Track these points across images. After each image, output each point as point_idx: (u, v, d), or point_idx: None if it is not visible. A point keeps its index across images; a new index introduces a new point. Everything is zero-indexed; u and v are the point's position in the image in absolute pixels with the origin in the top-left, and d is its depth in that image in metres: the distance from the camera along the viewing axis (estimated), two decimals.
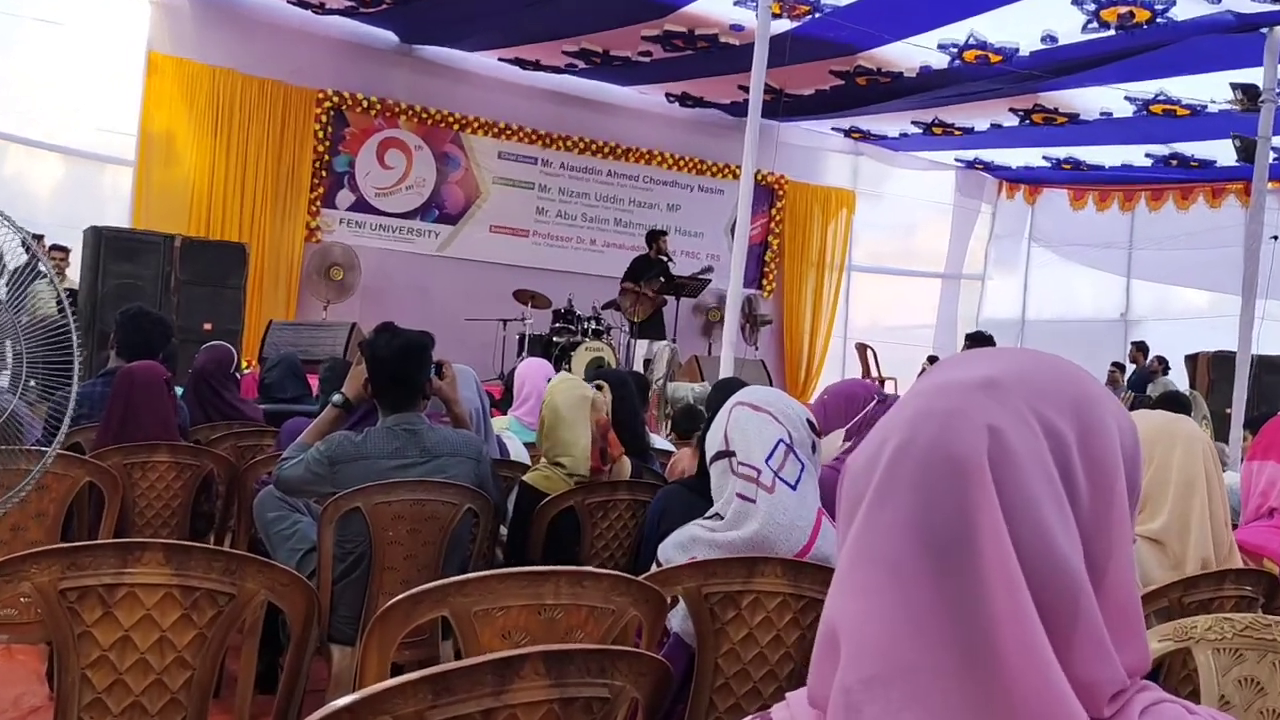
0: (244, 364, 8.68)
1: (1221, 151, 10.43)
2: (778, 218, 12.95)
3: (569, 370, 8.86)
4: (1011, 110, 10.64)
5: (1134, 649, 0.68)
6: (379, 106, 10.77)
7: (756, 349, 11.82)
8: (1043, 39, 8.50)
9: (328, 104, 10.50)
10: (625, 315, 10.15)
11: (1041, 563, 0.64)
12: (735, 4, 8.63)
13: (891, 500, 0.67)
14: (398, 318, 3.20)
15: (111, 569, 1.62)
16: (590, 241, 11.98)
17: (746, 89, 7.58)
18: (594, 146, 11.86)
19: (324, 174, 10.56)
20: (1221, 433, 7.43)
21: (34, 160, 9.51)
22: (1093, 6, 7.81)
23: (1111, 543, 0.68)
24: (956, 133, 11.82)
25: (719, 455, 2.04)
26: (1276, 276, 7.99)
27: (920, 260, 14.09)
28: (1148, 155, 11.83)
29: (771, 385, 10.28)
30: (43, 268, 2.39)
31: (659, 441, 4.46)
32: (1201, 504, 2.18)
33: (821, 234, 13.22)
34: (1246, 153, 7.53)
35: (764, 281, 12.97)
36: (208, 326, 8.02)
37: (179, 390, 3.93)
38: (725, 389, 2.99)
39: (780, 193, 12.92)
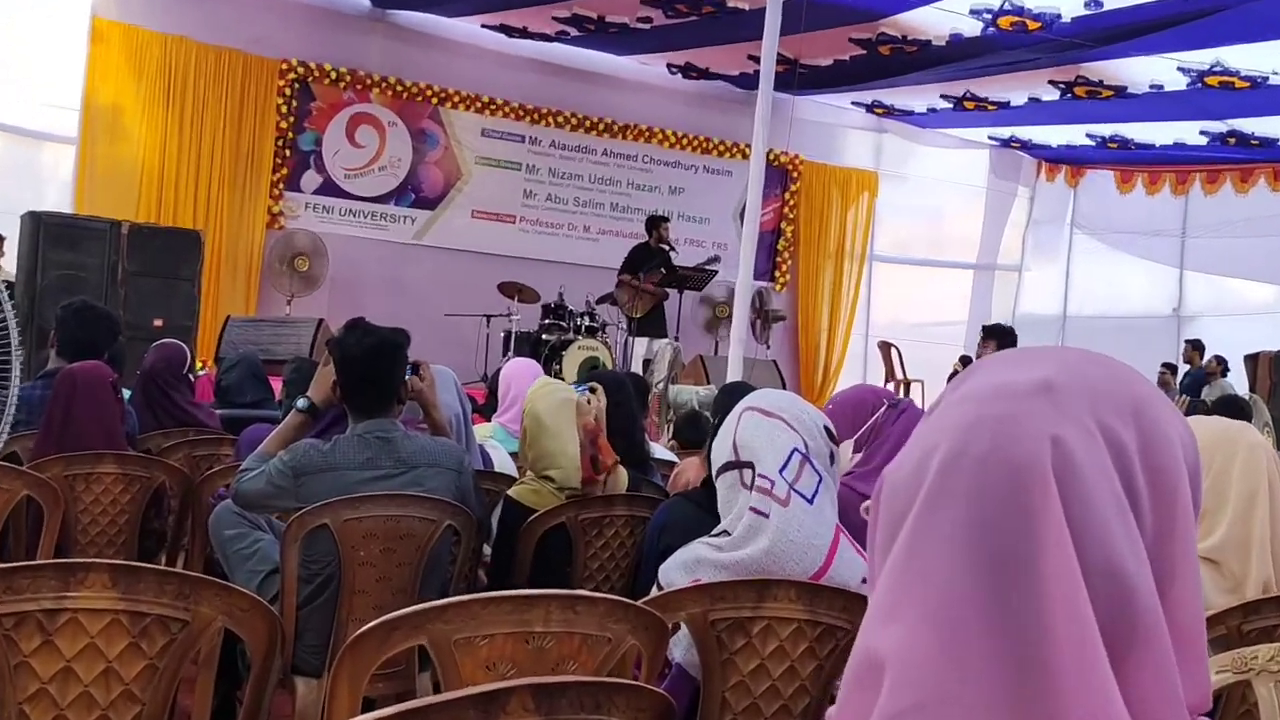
0: (199, 364, 8.66)
1: None
2: (792, 202, 12.96)
3: (560, 372, 8.86)
4: (1051, 83, 10.64)
5: (1195, 682, 0.68)
6: (349, 78, 10.78)
7: (768, 348, 11.83)
8: (1086, 4, 8.50)
9: (292, 76, 10.50)
10: (622, 311, 10.15)
11: (1109, 586, 0.65)
12: None
13: (943, 515, 0.68)
14: (369, 313, 3.20)
15: (51, 592, 1.62)
16: (584, 228, 11.99)
17: (757, 59, 7.58)
18: (588, 123, 11.86)
19: (287, 153, 10.56)
20: None
21: None
22: None
23: (1174, 562, 0.69)
24: (990, 108, 11.83)
25: (727, 466, 2.04)
26: None
27: (950, 249, 14.09)
28: (1203, 133, 11.83)
29: (785, 388, 10.29)
30: None
31: (660, 451, 4.46)
32: (1263, 520, 2.18)
33: (840, 220, 13.23)
34: None
35: (776, 273, 12.98)
36: (158, 323, 8.01)
37: (126, 393, 3.93)
38: (733, 393, 3.00)
39: (795, 174, 12.92)
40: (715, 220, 12.60)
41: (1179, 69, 9.66)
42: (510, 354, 9.45)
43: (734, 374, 7.16)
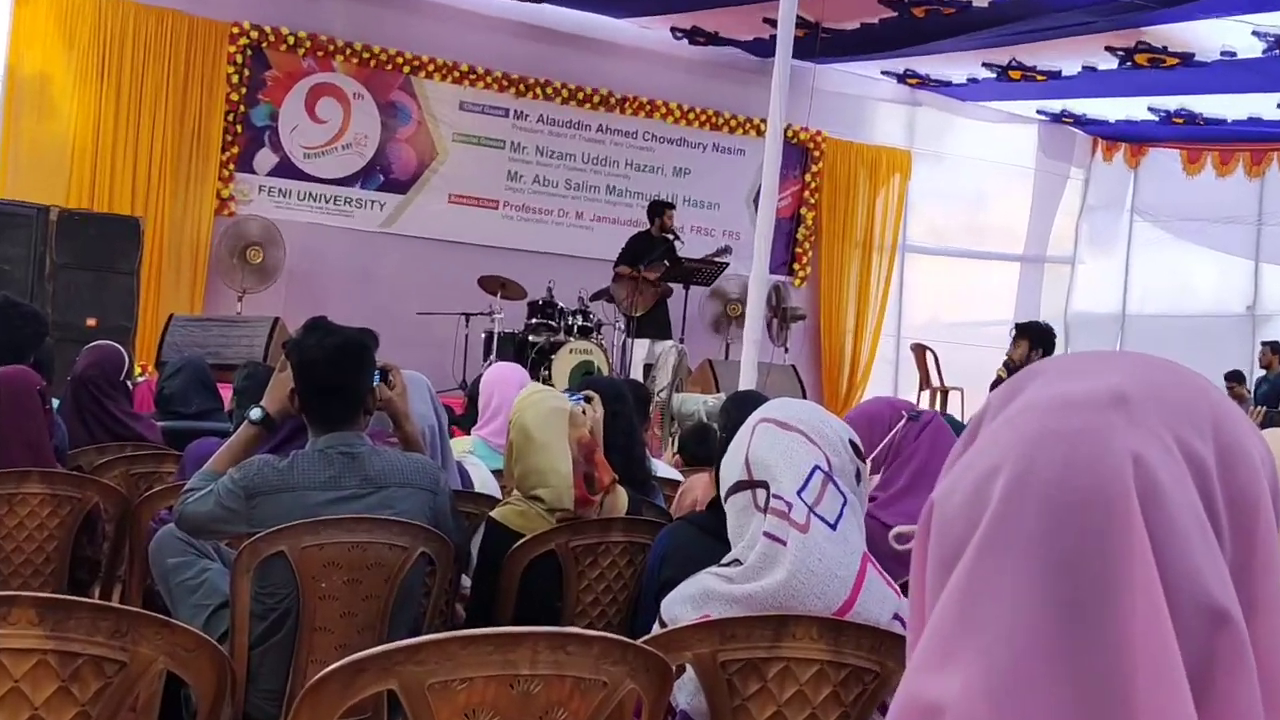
0: (137, 369, 8.65)
1: None
2: (813, 185, 12.97)
3: (549, 378, 8.87)
4: (1109, 49, 10.65)
5: None
6: (308, 44, 10.79)
7: (786, 351, 11.82)
8: None
9: (244, 41, 10.50)
10: (620, 309, 10.15)
11: (1197, 624, 0.65)
12: None
13: (1009, 546, 0.67)
14: (332, 311, 3.21)
15: None
16: (576, 215, 12.00)
17: (773, 22, 7.59)
18: (581, 95, 11.87)
19: (239, 130, 10.56)
20: None
21: None
22: None
23: (1255, 593, 0.68)
24: (1039, 78, 11.83)
25: (738, 486, 2.04)
26: None
27: (993, 239, 14.10)
28: None
29: (805, 397, 10.28)
30: None
31: (663, 468, 4.47)
32: None
33: (869, 206, 13.24)
34: None
35: (796, 266, 12.98)
36: (92, 322, 8.02)
37: (55, 403, 3.93)
38: (744, 403, 2.99)
39: (816, 153, 12.94)
40: (726, 205, 12.61)
41: (1254, 33, 9.66)
42: (492, 358, 9.44)
43: (747, 381, 7.17)
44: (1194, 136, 13.50)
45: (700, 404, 8.10)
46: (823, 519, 1.96)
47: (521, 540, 2.85)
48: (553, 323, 9.77)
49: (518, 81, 11.58)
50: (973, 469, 0.72)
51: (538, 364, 9.27)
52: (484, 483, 3.72)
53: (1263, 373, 12.12)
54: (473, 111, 11.53)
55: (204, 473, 2.78)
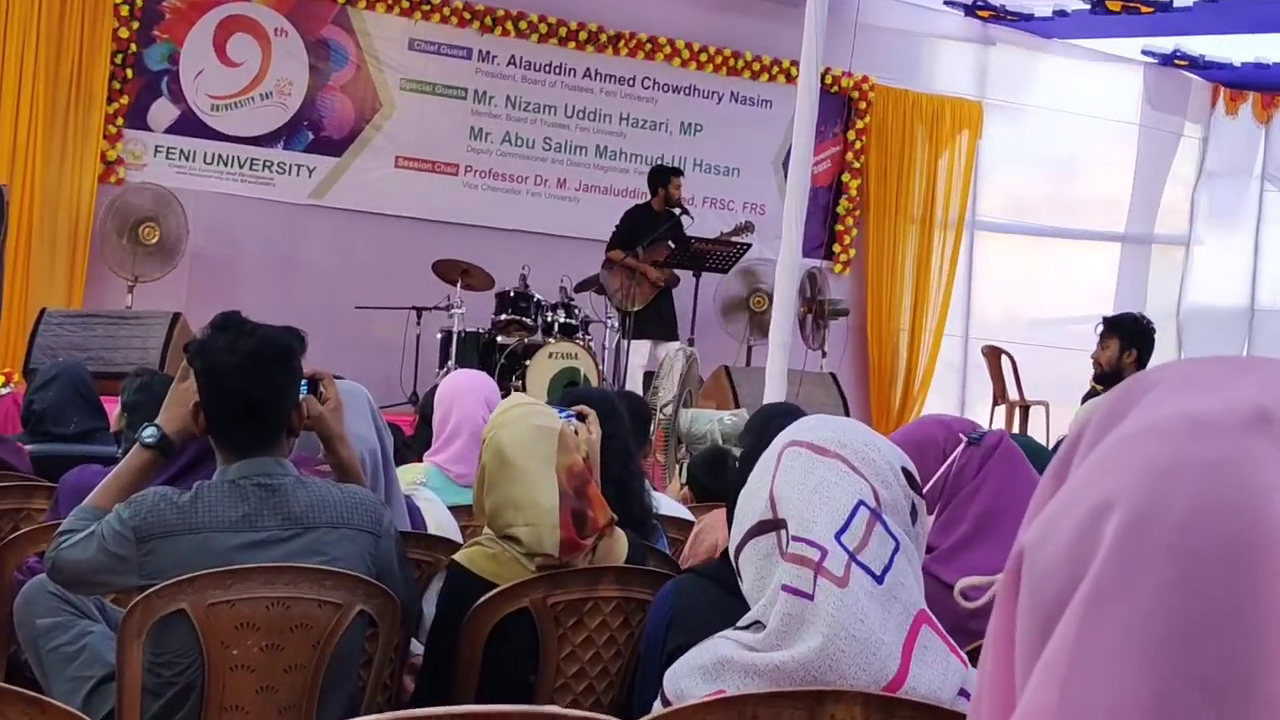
0: None
1: None
2: (858, 145, 12.98)
3: (523, 389, 8.86)
4: None
5: None
6: None
7: (824, 355, 11.82)
8: None
9: None
10: (613, 302, 10.15)
11: None
12: None
13: (1124, 605, 0.67)
14: (247, 305, 3.20)
15: None
16: (557, 183, 12.00)
17: None
18: (564, 31, 11.87)
19: (129, 75, 10.56)
20: None
21: None
22: None
23: None
24: (1145, 9, 11.84)
25: (761, 528, 2.04)
26: None
27: (1087, 214, 14.10)
28: None
29: (847, 413, 10.28)
30: None
31: (667, 504, 4.46)
32: None
33: (929, 171, 13.24)
34: None
35: (836, 248, 12.99)
36: None
37: None
38: (774, 419, 2.99)
39: (862, 105, 12.95)
40: (748, 171, 12.62)
41: None
42: (451, 364, 9.44)
43: (774, 393, 7.16)
44: None
45: (714, 423, 8.09)
46: (866, 569, 1.95)
47: (488, 594, 2.85)
48: (527, 319, 9.77)
49: (483, 14, 11.57)
50: (1074, 506, 0.72)
51: (508, 371, 9.27)
52: (439, 523, 3.72)
53: None
54: (426, 52, 11.52)
55: (84, 509, 2.78)
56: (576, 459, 2.96)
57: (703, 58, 12.35)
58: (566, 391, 4.99)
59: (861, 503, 1.99)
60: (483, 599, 2.84)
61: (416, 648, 3.23)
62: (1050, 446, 5.80)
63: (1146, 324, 7.04)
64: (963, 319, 13.57)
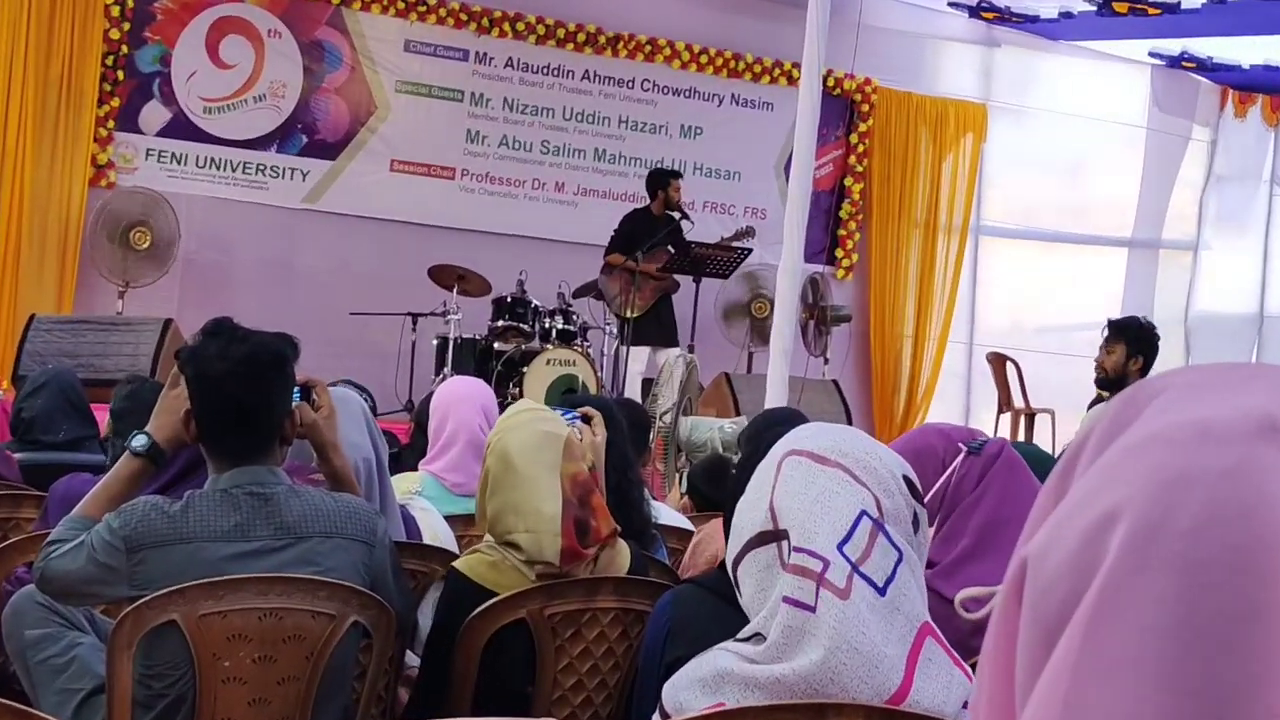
0: None
1: None
2: (861, 149, 12.99)
3: (520, 396, 8.85)
4: None
5: None
6: None
7: (826, 362, 11.83)
8: None
9: None
10: (612, 308, 10.15)
11: None
12: None
13: (1128, 617, 0.66)
14: (240, 311, 3.20)
15: None
16: (555, 187, 12.00)
17: None
18: (562, 32, 11.87)
19: (120, 76, 10.56)
20: None
21: None
22: None
23: None
24: (1152, 11, 11.84)
25: (760, 539, 2.04)
26: None
27: (1093, 219, 14.11)
28: None
29: (849, 421, 10.27)
30: None
31: (667, 513, 4.46)
32: None
33: (933, 175, 13.24)
34: None
35: (839, 253, 12.99)
36: None
37: None
38: (774, 425, 2.99)
39: (865, 108, 12.95)
40: (749, 175, 12.62)
41: None
42: (447, 370, 9.44)
43: (775, 400, 7.16)
44: None
45: (715, 430, 8.09)
46: (869, 580, 1.95)
47: (484, 605, 2.85)
48: (525, 325, 9.77)
49: (480, 15, 11.57)
50: (1079, 515, 0.71)
51: (505, 379, 9.27)
52: (435, 532, 3.72)
53: None
54: (422, 53, 11.52)
55: (74, 519, 2.77)
56: (582, 468, 2.96)
57: (703, 59, 12.35)
58: (564, 399, 4.98)
59: (864, 513, 1.99)
60: (479, 609, 2.84)
61: (412, 659, 3.23)
62: (1056, 454, 5.79)
63: (1152, 329, 7.02)
64: (967, 325, 13.57)
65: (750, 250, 10.48)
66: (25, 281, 10.11)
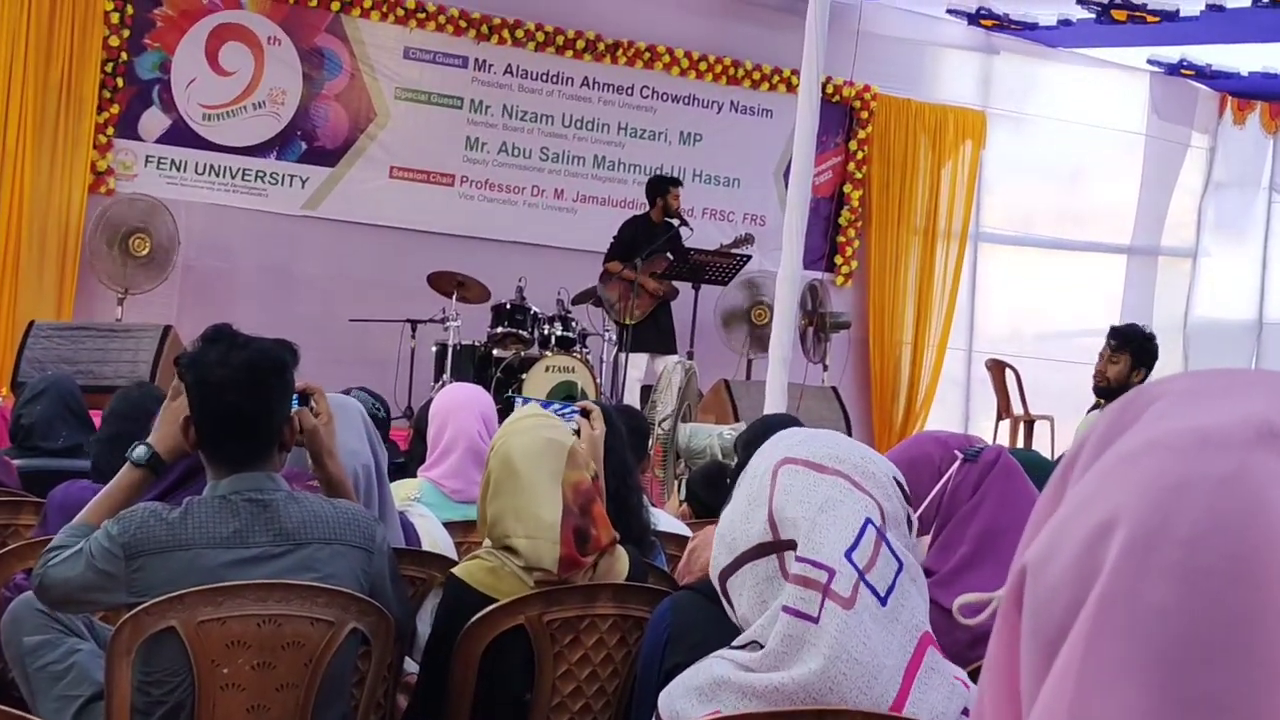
0: None
1: None
2: (860, 156, 12.98)
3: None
4: None
5: None
6: None
7: (825, 369, 11.81)
8: None
9: None
10: (611, 315, 10.15)
11: None
12: None
13: (1131, 627, 0.66)
14: (240, 318, 3.20)
15: None
16: (554, 194, 11.99)
17: None
18: (561, 40, 11.87)
19: (120, 84, 10.56)
20: None
21: None
22: None
23: None
24: (1151, 19, 11.85)
25: (759, 551, 2.03)
26: None
27: (1092, 226, 14.10)
28: None
29: (848, 426, 10.24)
30: None
31: (666, 520, 4.46)
32: None
33: (932, 182, 13.24)
34: None
35: (838, 259, 12.98)
36: None
37: None
38: (770, 433, 2.98)
39: (864, 115, 12.94)
40: (748, 182, 12.61)
41: None
42: (446, 377, 9.44)
43: (774, 407, 7.16)
44: None
45: (714, 437, 8.09)
46: (873, 590, 1.94)
47: (482, 611, 2.84)
48: (524, 332, 9.77)
49: (479, 22, 11.56)
50: (1078, 523, 0.71)
51: (504, 385, 9.26)
52: (434, 539, 3.72)
53: None
54: (421, 60, 11.53)
55: (73, 527, 2.77)
56: (585, 476, 2.95)
57: (702, 66, 12.34)
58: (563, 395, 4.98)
59: (869, 520, 1.98)
60: (477, 616, 2.84)
61: (410, 666, 3.23)
62: (1055, 460, 5.78)
63: (1151, 337, 6.99)
64: (966, 332, 13.56)
65: (749, 257, 10.49)
66: (25, 288, 10.10)
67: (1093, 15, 12.00)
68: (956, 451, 2.85)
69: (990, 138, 13.46)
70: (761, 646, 1.97)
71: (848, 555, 1.94)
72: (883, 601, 1.95)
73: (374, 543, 2.86)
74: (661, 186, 10.33)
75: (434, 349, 10.00)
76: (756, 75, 12.50)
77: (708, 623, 2.22)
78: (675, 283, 10.31)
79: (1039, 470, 3.06)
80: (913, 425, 12.80)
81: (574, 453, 2.96)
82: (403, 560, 3.19)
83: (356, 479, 3.20)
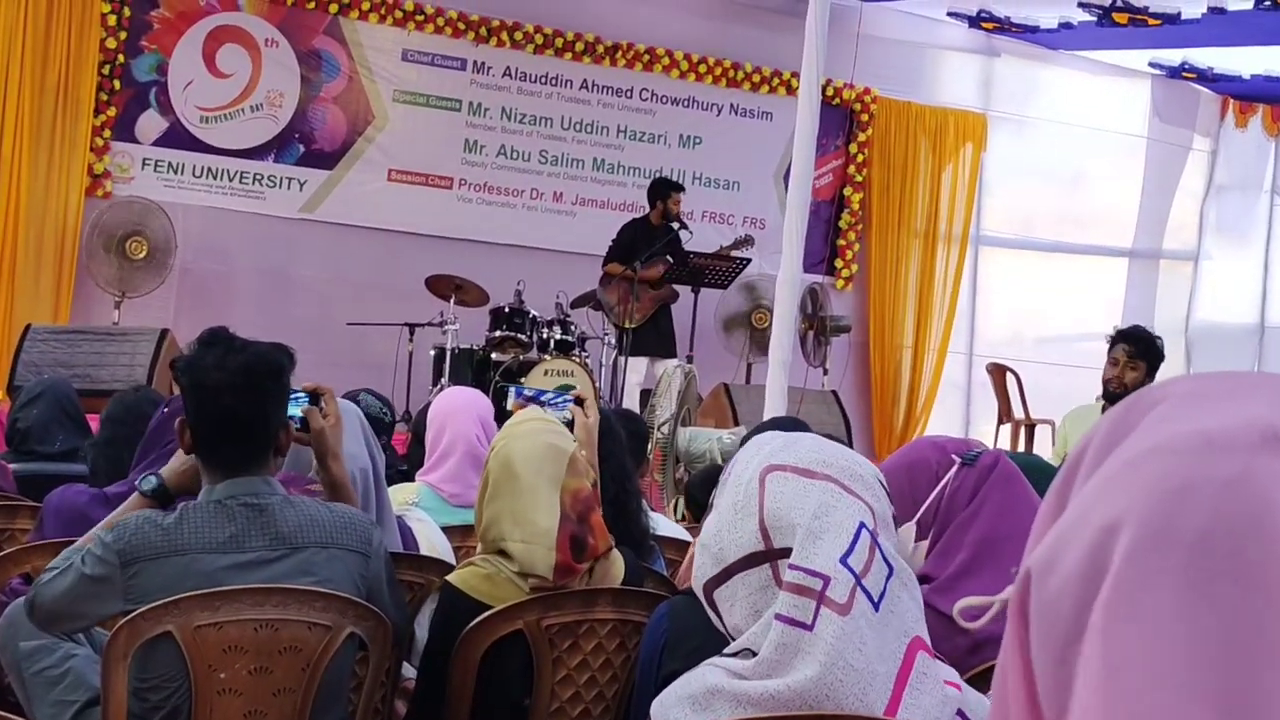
0: None
1: None
2: (860, 158, 12.99)
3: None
4: None
5: None
6: None
7: (825, 373, 11.81)
8: None
9: None
10: (610, 318, 10.15)
11: None
12: None
13: (1139, 628, 0.67)
14: (237, 321, 3.20)
15: None
16: (553, 197, 11.99)
17: None
18: (560, 42, 11.88)
19: (117, 86, 10.56)
20: None
21: None
22: None
23: None
24: (1152, 21, 11.85)
25: (750, 561, 2.02)
26: None
27: (1094, 229, 14.10)
28: None
29: (849, 430, 10.24)
30: None
31: (665, 524, 4.46)
32: None
33: (932, 185, 13.24)
34: None
35: (838, 263, 12.98)
36: None
37: None
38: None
39: (865, 117, 12.95)
40: (748, 185, 12.62)
41: None
42: (444, 381, 9.44)
43: (774, 411, 7.16)
44: None
45: (713, 441, 8.09)
46: (868, 594, 1.94)
47: (481, 616, 2.84)
48: (522, 336, 9.76)
49: (478, 24, 11.57)
50: (1082, 526, 0.71)
51: (503, 391, 9.24)
52: (432, 544, 3.72)
53: None
54: (419, 63, 11.53)
55: (73, 549, 2.75)
56: (584, 484, 2.94)
57: (702, 69, 12.34)
58: (560, 389, 4.98)
59: (863, 526, 1.98)
60: (476, 621, 2.83)
61: (408, 670, 3.22)
62: (1057, 464, 5.78)
63: (1156, 339, 6.94)
64: (967, 336, 13.56)
65: (749, 260, 10.49)
66: (21, 291, 10.11)
67: (1094, 18, 12.00)
68: (954, 456, 2.83)
69: (991, 140, 13.46)
70: (754, 654, 1.97)
71: (843, 561, 1.94)
72: (875, 607, 1.95)
73: (371, 546, 2.86)
74: (664, 190, 10.32)
75: (432, 352, 9.99)
76: (756, 78, 12.51)
77: (705, 628, 2.21)
78: (675, 286, 10.30)
79: (1040, 473, 3.05)
80: (913, 429, 12.80)
81: (575, 460, 2.96)
82: (400, 565, 3.19)
83: (354, 482, 3.20)
